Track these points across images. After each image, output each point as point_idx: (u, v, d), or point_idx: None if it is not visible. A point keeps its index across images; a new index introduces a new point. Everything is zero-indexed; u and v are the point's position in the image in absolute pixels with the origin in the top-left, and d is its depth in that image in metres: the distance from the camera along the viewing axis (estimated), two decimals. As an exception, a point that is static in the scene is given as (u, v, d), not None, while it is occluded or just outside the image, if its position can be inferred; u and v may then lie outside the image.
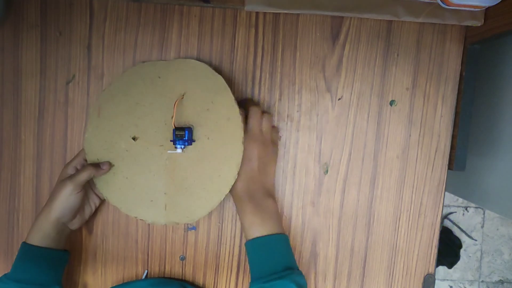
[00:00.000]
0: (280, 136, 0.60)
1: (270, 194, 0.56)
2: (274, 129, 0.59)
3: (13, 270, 0.52)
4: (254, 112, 0.55)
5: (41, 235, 0.52)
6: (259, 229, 0.51)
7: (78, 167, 0.56)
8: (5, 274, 0.53)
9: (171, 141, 0.55)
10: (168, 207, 0.57)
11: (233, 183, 0.55)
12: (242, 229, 0.53)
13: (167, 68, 0.56)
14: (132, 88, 0.57)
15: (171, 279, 0.61)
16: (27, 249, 0.52)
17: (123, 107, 0.56)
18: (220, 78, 0.55)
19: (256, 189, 0.54)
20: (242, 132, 0.55)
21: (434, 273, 0.63)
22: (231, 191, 0.55)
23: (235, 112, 0.55)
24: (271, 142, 0.57)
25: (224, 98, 0.55)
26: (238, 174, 0.54)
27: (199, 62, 0.56)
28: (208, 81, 0.56)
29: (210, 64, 0.58)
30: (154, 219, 0.57)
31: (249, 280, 0.62)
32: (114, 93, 0.57)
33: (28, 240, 0.52)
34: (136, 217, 0.57)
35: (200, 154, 0.56)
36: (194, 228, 0.61)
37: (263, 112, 0.56)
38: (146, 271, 0.61)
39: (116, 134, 0.57)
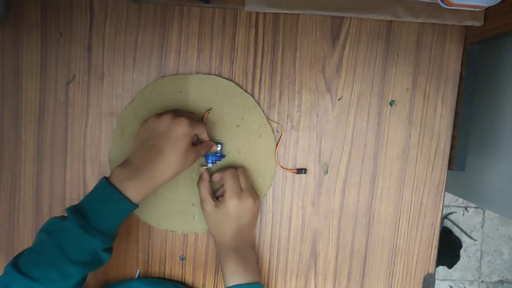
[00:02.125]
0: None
1: (251, 244, 0.59)
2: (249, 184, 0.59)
3: (85, 204, 0.48)
4: (228, 174, 0.56)
5: (134, 186, 0.48)
6: (239, 277, 0.54)
7: (198, 136, 0.55)
8: (74, 206, 0.48)
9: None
10: (197, 216, 0.60)
11: (266, 193, 0.60)
12: (223, 275, 0.55)
13: (187, 82, 0.58)
14: (154, 103, 0.58)
15: (164, 280, 0.61)
16: (109, 191, 0.47)
17: None
18: (250, 97, 0.58)
19: (241, 242, 0.56)
20: (275, 147, 0.59)
21: (434, 273, 0.63)
22: (216, 242, 0.57)
23: (268, 130, 0.59)
24: (253, 196, 0.56)
25: (254, 116, 0.58)
26: (227, 229, 0.55)
27: (224, 80, 0.58)
28: (235, 99, 0.58)
29: (219, 74, 0.59)
30: (183, 229, 0.60)
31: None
32: (136, 110, 0.58)
33: (113, 181, 0.48)
34: (166, 229, 0.60)
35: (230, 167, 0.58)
36: None
37: (236, 168, 0.57)
38: (138, 270, 0.61)
39: None
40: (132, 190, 0.48)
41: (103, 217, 0.48)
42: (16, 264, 0.45)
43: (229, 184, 0.55)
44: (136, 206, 0.49)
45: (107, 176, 0.49)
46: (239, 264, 0.54)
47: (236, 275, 0.54)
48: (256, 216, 0.58)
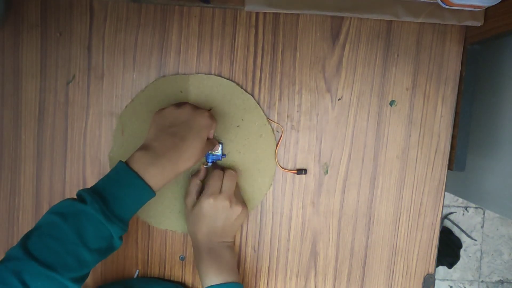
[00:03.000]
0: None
1: (229, 246, 0.57)
2: (237, 189, 0.58)
3: (104, 188, 0.45)
4: (212, 174, 0.56)
5: (156, 173, 0.46)
6: (214, 278, 0.53)
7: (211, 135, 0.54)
8: (91, 189, 0.45)
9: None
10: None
11: (266, 193, 0.60)
12: (200, 277, 0.55)
13: (187, 83, 0.57)
14: (155, 103, 0.58)
15: (163, 280, 0.61)
16: (131, 176, 0.45)
17: (147, 123, 0.57)
18: (250, 98, 0.58)
19: (215, 243, 0.56)
20: (275, 147, 0.59)
21: (434, 273, 0.63)
22: (191, 236, 0.57)
23: (268, 130, 0.59)
24: (232, 200, 0.55)
25: (255, 117, 0.58)
26: (199, 229, 0.55)
27: (225, 80, 0.58)
28: (235, 99, 0.58)
29: (219, 74, 0.59)
30: (183, 229, 0.60)
31: (249, 280, 0.62)
32: (137, 109, 0.58)
33: (134, 166, 0.45)
34: (166, 229, 0.60)
35: (230, 167, 0.59)
36: None
37: (226, 169, 0.57)
38: (137, 270, 0.61)
39: None
40: (154, 177, 0.46)
41: (124, 203, 0.45)
42: (26, 248, 0.41)
43: (209, 183, 0.55)
44: (154, 194, 0.47)
45: None
46: (212, 265, 0.54)
47: (210, 275, 0.53)
48: (238, 221, 0.56)
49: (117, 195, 0.45)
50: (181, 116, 0.50)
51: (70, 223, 0.42)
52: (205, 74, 0.58)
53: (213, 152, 0.57)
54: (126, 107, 0.58)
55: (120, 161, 0.46)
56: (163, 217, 0.59)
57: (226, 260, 0.55)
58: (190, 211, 0.56)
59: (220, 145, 0.58)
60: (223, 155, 0.58)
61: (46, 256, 0.41)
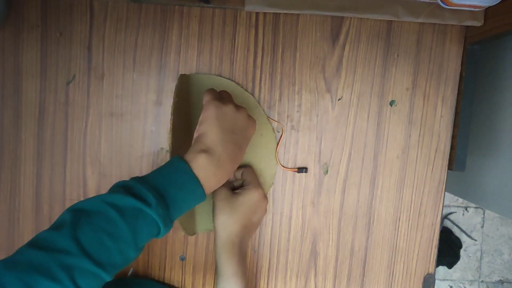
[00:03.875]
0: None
1: (246, 251, 0.56)
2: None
3: (166, 190, 0.42)
4: (249, 169, 0.57)
5: (215, 183, 0.45)
6: (238, 282, 0.51)
7: None
8: (154, 188, 0.42)
9: None
10: (198, 216, 0.58)
11: (267, 192, 0.60)
12: (218, 275, 0.52)
13: (188, 82, 0.57)
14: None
15: (158, 282, 0.61)
16: (194, 183, 0.43)
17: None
18: (250, 97, 0.58)
19: (243, 243, 0.53)
20: (276, 146, 0.59)
21: (434, 273, 0.63)
22: (217, 237, 0.52)
23: (268, 129, 0.59)
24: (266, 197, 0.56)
25: (255, 116, 0.58)
26: (231, 224, 0.52)
27: (225, 79, 0.58)
28: (236, 98, 0.57)
29: (219, 74, 0.58)
30: (184, 229, 0.58)
31: (249, 280, 0.62)
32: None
33: (197, 171, 0.43)
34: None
35: None
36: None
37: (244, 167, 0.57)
38: (131, 269, 0.61)
39: None
40: (211, 186, 0.45)
41: (182, 209, 0.44)
42: (78, 241, 0.37)
43: (251, 177, 0.55)
44: (204, 201, 0.45)
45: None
46: (239, 268, 0.51)
47: (235, 279, 0.51)
48: (262, 218, 0.57)
49: (177, 200, 0.43)
50: (240, 122, 0.48)
51: (128, 221, 0.40)
52: (205, 74, 0.58)
53: None
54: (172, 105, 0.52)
55: (181, 159, 0.44)
56: None
57: (246, 265, 0.54)
58: (224, 201, 0.52)
59: None
60: None
61: (100, 254, 0.38)
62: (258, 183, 0.55)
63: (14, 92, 0.58)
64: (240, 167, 0.58)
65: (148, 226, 0.41)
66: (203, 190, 0.44)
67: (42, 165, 0.59)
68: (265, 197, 0.55)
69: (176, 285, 0.62)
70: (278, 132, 0.60)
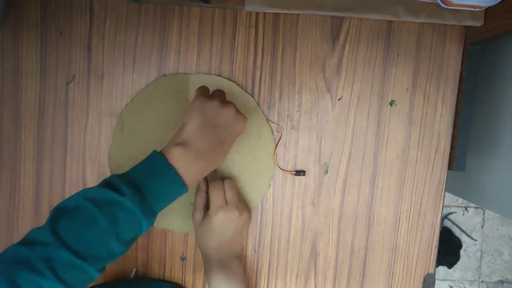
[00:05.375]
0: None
1: (237, 255, 0.58)
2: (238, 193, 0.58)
3: (141, 180, 0.43)
4: (213, 187, 0.54)
5: (194, 173, 0.46)
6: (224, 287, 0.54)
7: None
8: (127, 178, 0.44)
9: None
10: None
11: (264, 194, 0.60)
12: (209, 286, 0.56)
13: (188, 82, 0.57)
14: (155, 102, 0.58)
15: (162, 281, 0.61)
16: (171, 173, 0.44)
17: (147, 122, 0.57)
18: (250, 98, 0.58)
19: (225, 254, 0.56)
20: (274, 148, 0.59)
21: (434, 273, 0.63)
22: (201, 250, 0.57)
23: (267, 130, 0.59)
24: (239, 208, 0.55)
25: (254, 117, 0.58)
26: (209, 242, 0.55)
27: (225, 80, 0.58)
28: (236, 99, 0.58)
29: (219, 73, 0.58)
30: (181, 228, 0.60)
31: (249, 280, 0.62)
32: (136, 108, 0.58)
33: (173, 161, 0.44)
34: (163, 228, 0.60)
35: (229, 167, 0.59)
36: None
37: (223, 179, 0.56)
38: (134, 269, 0.61)
39: (141, 149, 0.57)
40: (192, 177, 0.46)
41: (161, 200, 0.45)
42: (56, 233, 0.39)
43: (214, 197, 0.54)
44: (187, 192, 0.46)
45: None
46: (223, 275, 0.54)
47: (220, 285, 0.54)
48: (245, 228, 0.57)
49: (155, 191, 0.44)
50: (225, 118, 0.48)
51: (104, 212, 0.41)
52: (205, 74, 0.58)
53: None
54: (126, 105, 0.58)
55: (157, 153, 0.45)
56: (161, 216, 0.58)
57: (236, 270, 0.56)
58: (199, 226, 0.55)
59: None
60: None
61: (78, 244, 0.39)
62: (218, 202, 0.53)
63: (13, 91, 0.58)
64: (213, 181, 0.56)
65: (127, 216, 0.42)
66: (182, 180, 0.45)
67: (41, 165, 0.59)
68: (227, 212, 0.53)
69: (176, 285, 0.62)
70: (278, 132, 0.60)
